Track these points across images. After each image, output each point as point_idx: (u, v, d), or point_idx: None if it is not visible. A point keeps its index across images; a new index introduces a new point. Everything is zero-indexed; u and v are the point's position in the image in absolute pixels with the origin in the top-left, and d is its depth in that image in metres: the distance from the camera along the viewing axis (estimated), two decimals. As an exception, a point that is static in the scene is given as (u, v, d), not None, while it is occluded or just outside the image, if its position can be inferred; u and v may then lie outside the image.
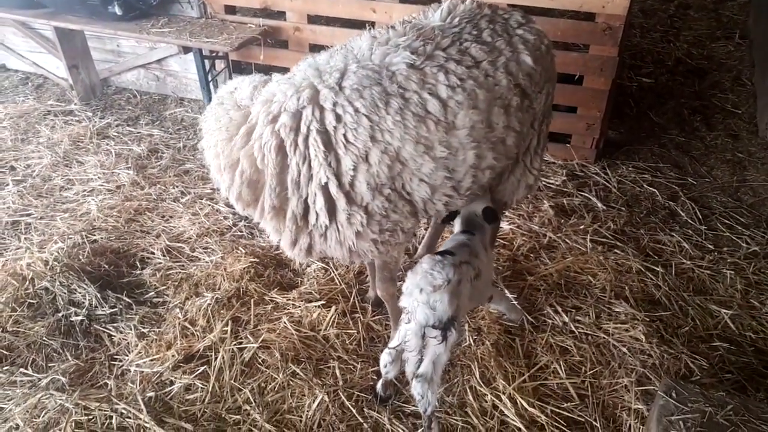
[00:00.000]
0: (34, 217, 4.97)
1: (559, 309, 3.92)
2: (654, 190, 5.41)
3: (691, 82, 7.54)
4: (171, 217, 4.94)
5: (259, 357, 3.50)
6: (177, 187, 5.39)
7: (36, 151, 6.09)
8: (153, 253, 4.44)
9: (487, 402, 3.30)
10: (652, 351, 3.60)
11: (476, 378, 3.41)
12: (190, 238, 4.63)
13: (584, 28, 5.30)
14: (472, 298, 3.08)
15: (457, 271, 2.87)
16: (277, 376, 3.37)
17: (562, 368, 3.51)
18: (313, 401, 3.24)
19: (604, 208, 5.14)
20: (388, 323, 3.76)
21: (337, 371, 3.44)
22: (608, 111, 5.64)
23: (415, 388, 2.82)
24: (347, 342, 3.67)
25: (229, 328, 3.65)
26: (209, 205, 5.09)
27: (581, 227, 4.81)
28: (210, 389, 3.31)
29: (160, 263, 4.34)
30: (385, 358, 3.03)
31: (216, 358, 3.47)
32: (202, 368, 3.42)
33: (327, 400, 3.25)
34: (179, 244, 4.54)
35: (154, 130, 6.63)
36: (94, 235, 4.65)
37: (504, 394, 3.31)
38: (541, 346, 3.67)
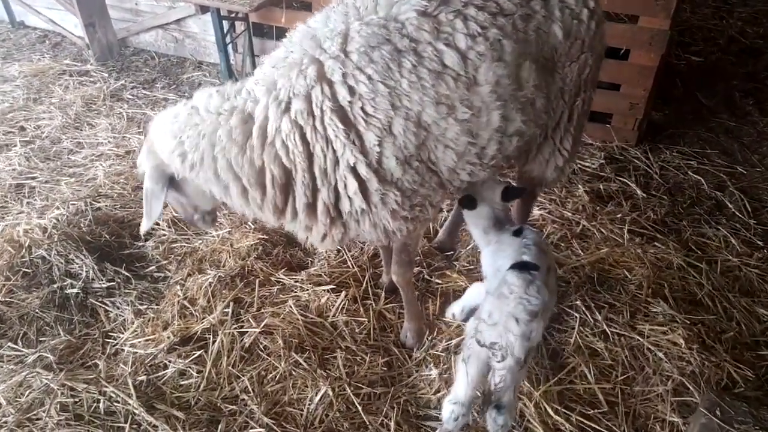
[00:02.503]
0: (39, 180, 4.77)
1: (592, 305, 3.57)
2: (699, 178, 4.97)
3: (744, 63, 6.97)
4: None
5: (261, 343, 3.25)
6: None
7: (47, 112, 5.88)
8: (158, 224, 4.19)
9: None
10: (691, 357, 3.25)
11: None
12: (198, 210, 4.36)
13: (634, -2, 4.82)
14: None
15: (547, 284, 2.55)
16: (278, 365, 3.12)
17: (591, 372, 3.19)
18: (316, 394, 2.98)
19: (644, 195, 4.73)
20: (402, 311, 3.47)
21: (341, 362, 3.16)
22: (654, 90, 5.18)
23: (497, 420, 2.49)
24: (357, 331, 3.39)
25: (230, 310, 3.39)
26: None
27: (618, 216, 4.42)
28: (206, 375, 3.07)
29: (165, 235, 4.10)
30: (454, 410, 2.54)
31: (214, 343, 3.22)
32: (199, 353, 3.17)
33: (331, 394, 2.99)
34: (185, 216, 4.28)
35: (170, 94, 6.37)
36: (99, 202, 4.42)
37: (530, 400, 3.00)
38: (570, 346, 3.34)
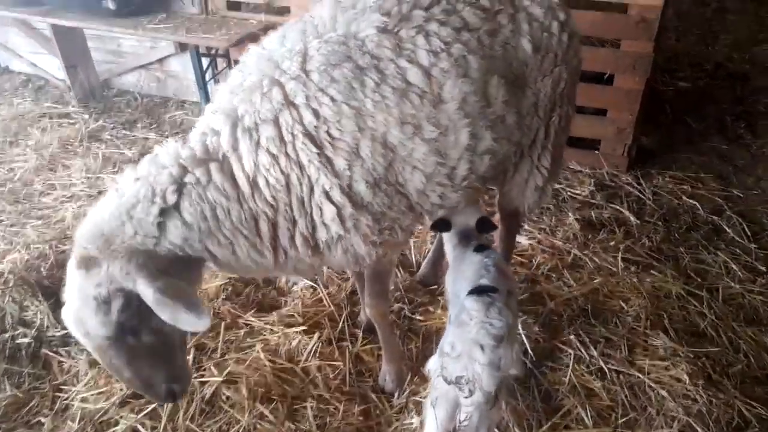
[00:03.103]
0: (4, 224, 4.54)
1: (586, 340, 3.31)
2: (695, 202, 4.77)
3: (732, 87, 6.89)
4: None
5: (224, 394, 2.96)
6: (162, 193, 4.90)
7: (22, 154, 5.70)
8: (124, 267, 3.94)
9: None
10: (697, 395, 2.97)
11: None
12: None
13: (615, 21, 4.72)
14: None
15: (510, 308, 2.34)
16: (241, 418, 2.83)
17: (588, 415, 2.90)
18: (284, 451, 2.69)
19: (638, 222, 4.51)
20: (381, 353, 3.19)
21: (310, 414, 2.86)
22: (641, 114, 5.02)
23: None
24: (330, 377, 3.11)
25: (191, 357, 3.11)
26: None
27: (611, 244, 4.20)
28: (161, 432, 2.78)
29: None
30: None
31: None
32: (154, 406, 2.87)
33: (300, 449, 2.70)
34: (154, 257, 4.04)
35: (151, 133, 6.21)
36: (65, 244, 4.18)
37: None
38: (564, 387, 3.07)
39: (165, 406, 2.81)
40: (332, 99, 2.15)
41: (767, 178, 5.16)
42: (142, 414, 2.85)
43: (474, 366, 2.15)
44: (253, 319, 3.41)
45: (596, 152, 5.27)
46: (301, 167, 2.17)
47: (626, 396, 3.00)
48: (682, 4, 9.36)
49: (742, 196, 4.90)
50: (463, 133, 2.32)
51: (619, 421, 2.88)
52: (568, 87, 2.74)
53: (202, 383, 3.00)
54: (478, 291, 2.35)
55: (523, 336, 3.31)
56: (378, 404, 3.01)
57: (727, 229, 4.45)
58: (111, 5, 5.76)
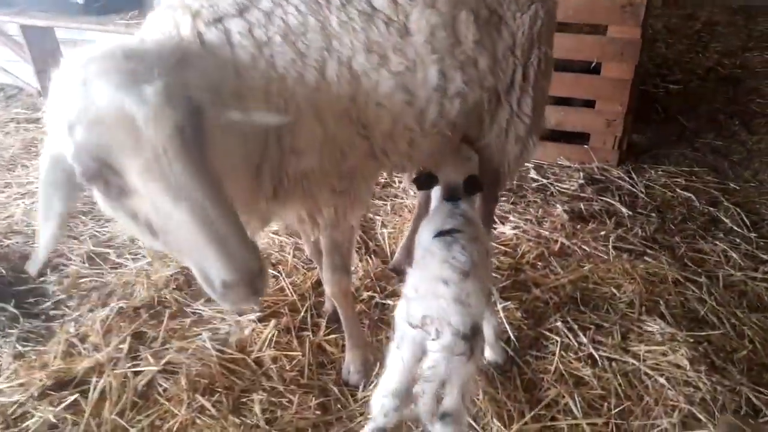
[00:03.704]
0: (-50, 220, 4.21)
1: (575, 326, 2.97)
2: (690, 195, 4.48)
3: (725, 89, 6.68)
4: (108, 221, 4.13)
5: (161, 385, 2.60)
6: (123, 190, 4.60)
7: (-20, 157, 5.41)
8: (70, 259, 3.61)
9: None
10: (700, 382, 2.63)
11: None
12: (123, 243, 3.80)
13: (600, 5, 4.50)
14: (485, 289, 2.21)
15: (475, 250, 2.09)
16: (178, 411, 2.46)
17: (578, 405, 2.55)
18: (224, 447, 2.32)
19: (630, 213, 4.21)
20: (345, 343, 2.84)
21: (257, 408, 2.49)
22: (632, 105, 4.77)
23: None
24: (287, 368, 2.75)
25: (126, 346, 2.76)
26: (155, 208, 4.28)
27: (602, 233, 3.88)
28: (82, 428, 2.40)
29: (74, 270, 3.50)
30: (384, 404, 2.02)
31: (98, 385, 2.56)
32: (76, 397, 2.50)
33: (243, 445, 2.32)
34: (105, 250, 3.72)
35: (120, 136, 5.93)
36: (9, 239, 3.86)
37: (497, 440, 2.35)
38: (550, 375, 2.72)
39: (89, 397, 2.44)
40: (297, 9, 1.98)
41: (765, 172, 4.87)
42: (62, 406, 2.47)
43: (439, 302, 1.89)
44: (202, 307, 3.06)
45: (585, 147, 4.99)
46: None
47: (620, 384, 2.65)
48: (671, 18, 9.29)
49: (738, 188, 4.61)
50: (431, 70, 2.17)
51: (613, 412, 2.52)
52: (545, 27, 2.49)
53: (136, 374, 2.63)
54: (441, 234, 2.13)
55: (504, 322, 2.97)
56: (340, 398, 2.64)
57: (724, 219, 4.15)
58: (79, 0, 5.55)
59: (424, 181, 2.55)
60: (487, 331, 2.64)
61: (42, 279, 3.40)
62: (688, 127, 5.77)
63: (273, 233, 3.69)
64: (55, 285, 3.35)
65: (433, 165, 2.56)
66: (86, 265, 3.57)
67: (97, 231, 4.01)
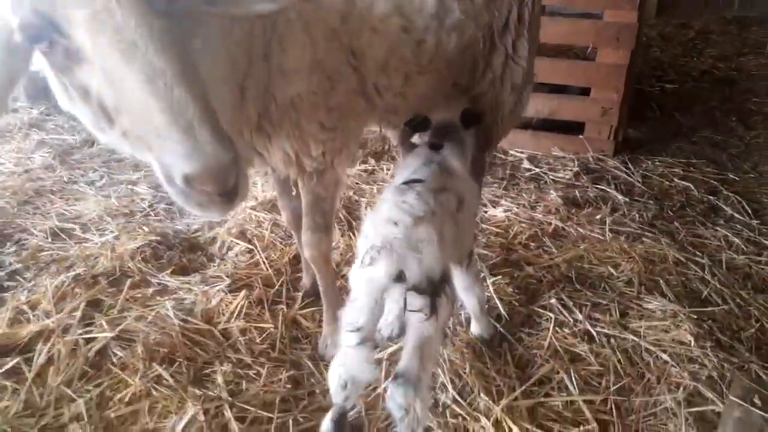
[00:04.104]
0: None
1: (570, 303, 2.76)
2: (688, 184, 4.31)
3: (721, 89, 6.57)
4: (77, 200, 3.91)
5: (115, 354, 2.36)
6: (98, 171, 4.39)
7: (-51, 140, 5.18)
8: (33, 234, 3.38)
9: (460, 428, 2.12)
10: (706, 359, 2.42)
11: (449, 389, 2.24)
12: (90, 220, 3.58)
13: (596, -12, 4.38)
14: (455, 243, 1.99)
15: (437, 200, 1.86)
16: (132, 381, 2.22)
17: (573, 381, 2.32)
18: (180, 419, 2.07)
19: (627, 200, 4.02)
20: (323, 317, 2.62)
21: (220, 379, 2.25)
22: (628, 93, 4.62)
23: (394, 396, 1.69)
24: (257, 340, 2.52)
25: (79, 313, 2.52)
26: (129, 188, 4.06)
27: (597, 217, 3.69)
28: (22, 397, 2.15)
29: (35, 243, 3.27)
30: (341, 372, 1.82)
31: (43, 351, 2.32)
32: (17, 363, 2.26)
33: (202, 418, 2.08)
34: (70, 225, 3.49)
35: (99, 126, 5.72)
36: (-29, 215, 3.62)
37: (488, 417, 2.12)
38: (543, 351, 2.50)
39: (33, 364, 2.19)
40: None
41: (765, 164, 4.72)
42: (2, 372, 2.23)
43: (386, 235, 1.69)
44: (168, 278, 2.83)
45: (580, 137, 4.82)
46: None
47: (619, 361, 2.43)
48: (666, 27, 9.24)
49: (738, 179, 4.45)
50: None
51: (612, 389, 2.30)
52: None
53: (88, 341, 2.39)
54: (404, 183, 1.93)
55: (494, 297, 2.76)
56: (314, 372, 2.41)
57: (725, 207, 3.98)
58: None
59: (419, 123, 2.32)
60: (471, 302, 2.43)
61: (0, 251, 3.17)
62: (685, 123, 5.62)
63: (250, 209, 3.47)
64: (12, 256, 3.11)
65: (425, 111, 2.37)
66: (49, 239, 3.34)
67: (65, 209, 3.78)
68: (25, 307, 2.58)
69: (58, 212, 3.72)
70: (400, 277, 1.70)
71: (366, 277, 1.71)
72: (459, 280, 2.34)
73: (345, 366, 1.78)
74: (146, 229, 3.30)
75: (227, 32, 1.67)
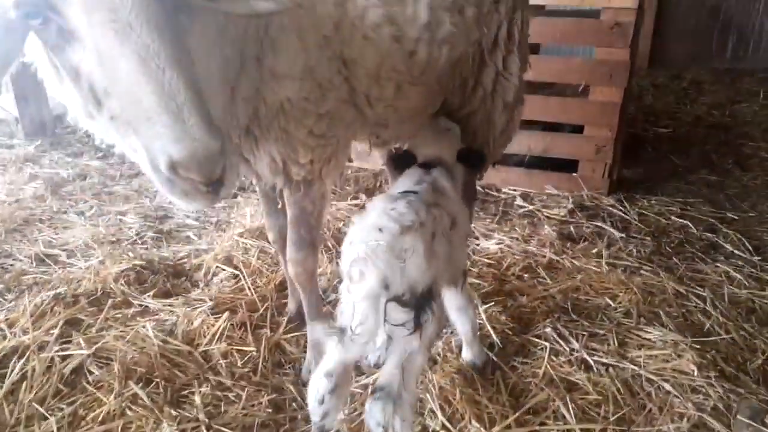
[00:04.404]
0: None
1: (566, 333, 2.66)
2: (686, 222, 4.25)
3: (716, 134, 6.61)
4: (65, 228, 3.85)
5: (91, 372, 2.25)
6: (88, 202, 4.34)
7: (-57, 173, 5.16)
8: (18, 259, 3.30)
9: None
10: (710, 389, 2.30)
11: (438, 415, 2.12)
12: (76, 247, 3.50)
13: (587, 27, 4.46)
14: (448, 263, 1.92)
15: (429, 213, 1.79)
16: (106, 400, 2.10)
17: (570, 410, 2.20)
18: (154, 441, 1.95)
19: (623, 236, 3.96)
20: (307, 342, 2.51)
21: (199, 400, 2.14)
22: (621, 132, 4.63)
23: (373, 411, 1.61)
24: (238, 363, 2.41)
25: (57, 331, 2.42)
26: (118, 218, 4.01)
27: (593, 251, 3.62)
28: (-9, 414, 2.04)
29: (19, 267, 3.18)
30: (319, 385, 1.74)
31: (17, 368, 2.20)
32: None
33: (177, 439, 1.96)
34: (56, 251, 3.41)
35: (95, 161, 5.72)
36: (-45, 240, 3.55)
37: (476, 444, 2.00)
38: (538, 379, 2.38)
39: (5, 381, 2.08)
40: None
41: (763, 204, 4.68)
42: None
43: (369, 244, 1.61)
44: (151, 300, 2.74)
45: (574, 175, 4.80)
46: None
47: (618, 390, 2.31)
48: (658, 77, 9.40)
49: (737, 218, 4.39)
50: (421, 4, 2.04)
51: (611, 419, 2.18)
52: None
53: (64, 358, 2.28)
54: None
55: (487, 325, 2.66)
56: (297, 397, 2.29)
57: (724, 244, 3.91)
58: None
59: (401, 159, 2.31)
60: (464, 326, 2.34)
61: (-21, 273, 3.08)
62: (681, 165, 5.62)
63: (238, 235, 3.41)
64: (-8, 278, 3.03)
65: (411, 137, 2.34)
66: (33, 264, 3.26)
67: (52, 237, 3.71)
68: (2, 325, 2.49)
69: (45, 240, 3.65)
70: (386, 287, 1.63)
71: (360, 293, 1.63)
72: (452, 301, 2.26)
73: (322, 381, 1.69)
74: (131, 255, 3.22)
75: (222, 31, 1.66)
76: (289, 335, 2.63)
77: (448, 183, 2.09)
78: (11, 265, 3.27)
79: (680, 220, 4.28)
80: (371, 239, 1.64)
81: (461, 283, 2.20)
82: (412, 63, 2.08)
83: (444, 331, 2.60)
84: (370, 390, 1.62)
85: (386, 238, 1.64)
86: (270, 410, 2.18)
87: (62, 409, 2.09)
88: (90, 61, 1.29)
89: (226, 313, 2.62)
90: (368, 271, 1.60)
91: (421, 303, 1.67)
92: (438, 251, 1.80)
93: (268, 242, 3.30)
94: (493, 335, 2.62)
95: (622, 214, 4.40)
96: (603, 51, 4.46)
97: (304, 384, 2.37)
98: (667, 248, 3.84)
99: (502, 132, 2.53)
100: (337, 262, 3.20)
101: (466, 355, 2.42)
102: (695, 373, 2.36)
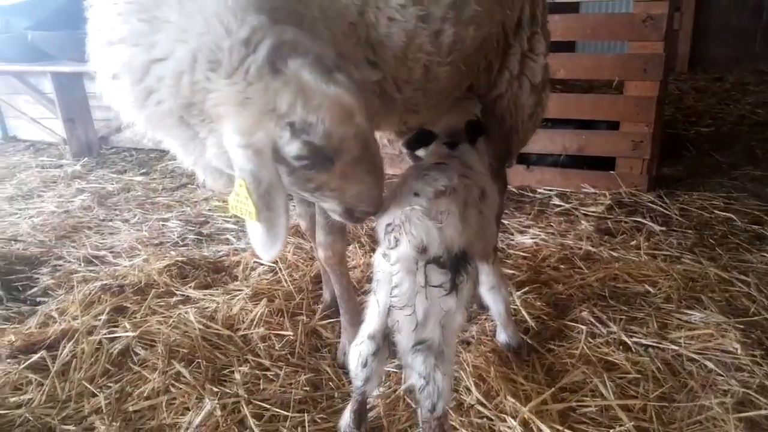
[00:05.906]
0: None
1: (603, 317, 2.62)
2: (730, 215, 4.13)
3: (761, 130, 6.41)
4: (111, 234, 4.01)
5: (137, 353, 2.33)
6: (132, 211, 4.52)
7: (1, 188, 5.47)
8: (68, 261, 3.46)
9: (486, 429, 1.99)
10: (756, 368, 2.23)
11: (473, 391, 2.12)
12: (122, 249, 3.65)
13: (619, 21, 4.44)
14: (479, 234, 1.94)
15: (461, 182, 1.84)
16: (151, 377, 2.18)
17: (609, 388, 2.17)
18: (197, 415, 2.01)
19: (664, 229, 3.88)
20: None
21: (239, 377, 2.20)
22: (659, 127, 4.56)
23: (414, 365, 1.65)
24: (276, 346, 2.46)
25: (104, 317, 2.52)
26: (161, 224, 4.16)
27: (632, 243, 3.56)
28: (46, 389, 2.14)
29: (69, 267, 3.34)
30: (362, 348, 1.78)
31: (67, 348, 2.31)
32: (41, 357, 2.25)
33: (219, 413, 2.01)
34: (102, 253, 3.56)
35: (138, 177, 5.95)
36: (12, 244, 3.76)
37: (514, 417, 1.99)
38: (575, 359, 2.36)
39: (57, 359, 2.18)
40: None
41: (812, 197, 4.51)
42: (24, 365, 2.22)
43: (404, 210, 1.66)
44: (192, 291, 2.82)
45: (611, 173, 4.74)
46: None
47: (658, 369, 2.26)
48: (699, 81, 9.21)
49: (784, 211, 4.25)
50: None
51: (652, 396, 2.13)
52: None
53: (111, 340, 2.38)
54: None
55: (522, 311, 2.65)
56: (333, 378, 2.32)
57: (771, 235, 3.78)
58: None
59: (421, 136, 2.29)
60: (498, 305, 2.34)
61: (34, 272, 3.24)
62: (723, 161, 5.48)
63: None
64: (46, 276, 3.18)
65: (439, 117, 2.37)
66: (82, 264, 3.41)
67: (99, 242, 3.88)
68: (54, 313, 2.61)
69: (92, 243, 3.82)
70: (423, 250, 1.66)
71: (396, 257, 1.67)
72: (485, 279, 2.27)
73: (364, 344, 1.72)
74: (174, 254, 3.34)
75: None
76: (325, 321, 2.67)
77: (474, 156, 2.12)
78: (61, 266, 3.42)
79: (724, 213, 4.16)
80: (407, 204, 1.68)
81: (492, 258, 2.20)
82: (439, 44, 2.09)
83: (478, 314, 2.60)
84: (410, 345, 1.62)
85: (422, 202, 1.68)
86: (307, 388, 2.22)
87: (110, 387, 2.18)
88: (334, 181, 1.62)
89: (264, 300, 2.69)
90: (404, 236, 1.64)
91: (457, 264, 1.70)
92: (470, 220, 1.82)
93: (303, 239, 3.39)
94: (529, 320, 2.61)
95: (663, 210, 4.30)
96: (636, 45, 4.42)
97: (341, 366, 2.41)
98: (710, 240, 3.74)
99: (531, 116, 2.52)
100: (371, 255, 3.25)
101: (501, 336, 2.41)
102: (739, 351, 2.29)
